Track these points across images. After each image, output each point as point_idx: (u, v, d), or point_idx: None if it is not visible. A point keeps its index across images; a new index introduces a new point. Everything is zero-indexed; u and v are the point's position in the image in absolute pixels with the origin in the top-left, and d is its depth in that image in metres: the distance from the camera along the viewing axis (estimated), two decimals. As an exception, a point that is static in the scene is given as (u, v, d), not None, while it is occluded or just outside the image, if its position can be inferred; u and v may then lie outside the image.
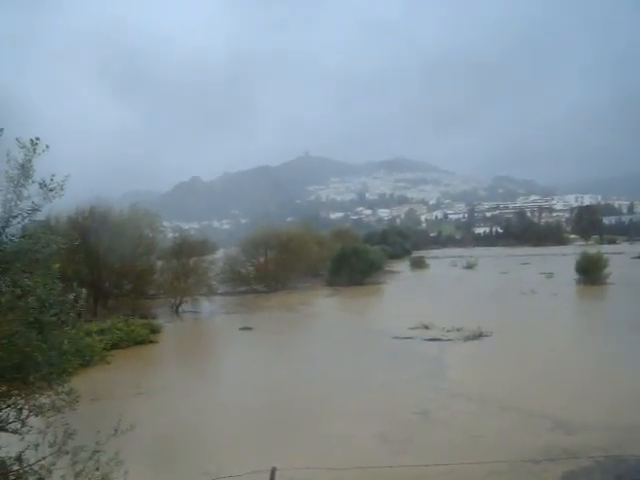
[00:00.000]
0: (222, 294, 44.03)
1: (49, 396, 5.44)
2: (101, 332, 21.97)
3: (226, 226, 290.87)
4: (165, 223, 48.25)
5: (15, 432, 5.45)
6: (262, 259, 51.16)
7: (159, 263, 37.64)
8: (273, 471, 7.47)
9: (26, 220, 5.48)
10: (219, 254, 49.10)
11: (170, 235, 46.10)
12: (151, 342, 24.77)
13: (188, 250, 38.31)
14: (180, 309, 35.91)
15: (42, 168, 5.48)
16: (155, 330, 26.30)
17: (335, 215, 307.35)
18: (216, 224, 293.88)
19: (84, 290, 5.41)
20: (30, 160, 5.38)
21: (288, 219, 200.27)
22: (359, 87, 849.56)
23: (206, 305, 36.97)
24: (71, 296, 5.69)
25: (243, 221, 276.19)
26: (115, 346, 21.90)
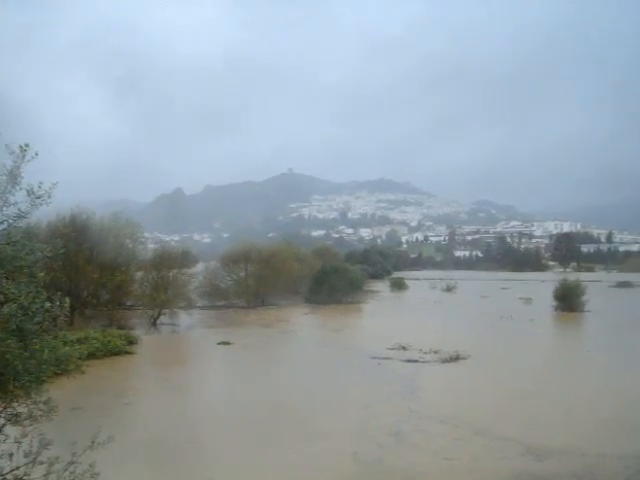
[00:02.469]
0: (201, 308, 43.74)
1: (27, 405, 5.40)
2: (78, 341, 21.69)
3: (207, 239, 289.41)
4: (146, 234, 47.88)
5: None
6: (242, 274, 50.93)
7: (138, 274, 37.28)
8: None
9: (11, 227, 5.47)
10: (199, 267, 48.83)
11: (150, 246, 45.75)
12: (127, 353, 24.57)
13: (168, 262, 37.98)
14: (158, 321, 35.56)
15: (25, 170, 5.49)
16: (132, 341, 26.09)
17: (317, 233, 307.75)
18: (197, 237, 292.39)
19: (67, 299, 5.28)
20: (19, 167, 5.39)
21: (270, 235, 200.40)
22: (348, 105, 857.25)
23: (184, 318, 36.63)
24: (51, 304, 5.64)
25: (224, 235, 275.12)
26: (91, 356, 21.55)
